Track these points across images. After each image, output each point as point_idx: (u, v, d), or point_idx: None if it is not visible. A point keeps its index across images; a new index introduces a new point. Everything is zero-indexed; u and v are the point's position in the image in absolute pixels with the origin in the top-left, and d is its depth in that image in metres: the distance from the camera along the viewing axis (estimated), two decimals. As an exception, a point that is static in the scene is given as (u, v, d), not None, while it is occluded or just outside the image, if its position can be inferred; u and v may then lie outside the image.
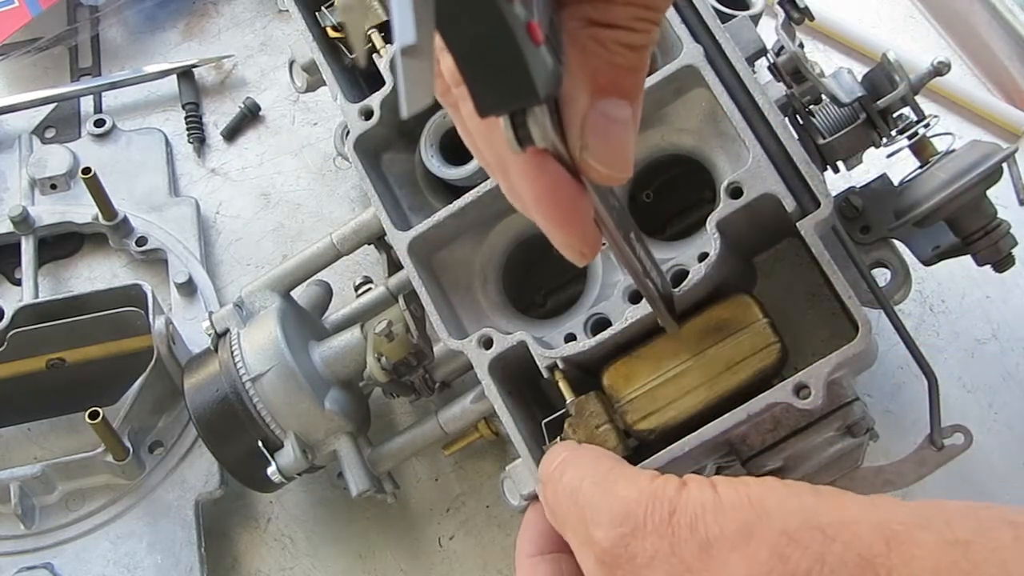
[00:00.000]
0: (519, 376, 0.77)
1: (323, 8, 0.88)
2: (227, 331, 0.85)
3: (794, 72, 0.74)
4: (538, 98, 0.41)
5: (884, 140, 0.77)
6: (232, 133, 1.12)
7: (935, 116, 0.77)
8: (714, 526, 0.52)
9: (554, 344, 0.75)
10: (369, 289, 0.91)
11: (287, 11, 0.95)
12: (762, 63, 0.79)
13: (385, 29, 0.85)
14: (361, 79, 0.90)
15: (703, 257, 0.71)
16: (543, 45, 0.41)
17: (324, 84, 0.89)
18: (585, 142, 0.46)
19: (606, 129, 0.46)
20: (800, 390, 0.67)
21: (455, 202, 0.78)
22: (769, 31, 0.77)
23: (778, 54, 0.75)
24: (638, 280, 0.61)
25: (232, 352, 0.82)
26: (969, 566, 0.45)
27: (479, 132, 0.50)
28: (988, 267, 0.78)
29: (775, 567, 0.49)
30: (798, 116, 0.78)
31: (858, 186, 0.82)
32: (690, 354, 0.70)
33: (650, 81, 0.73)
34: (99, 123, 1.11)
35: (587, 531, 0.58)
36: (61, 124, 1.15)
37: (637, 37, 0.47)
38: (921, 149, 0.77)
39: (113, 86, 1.15)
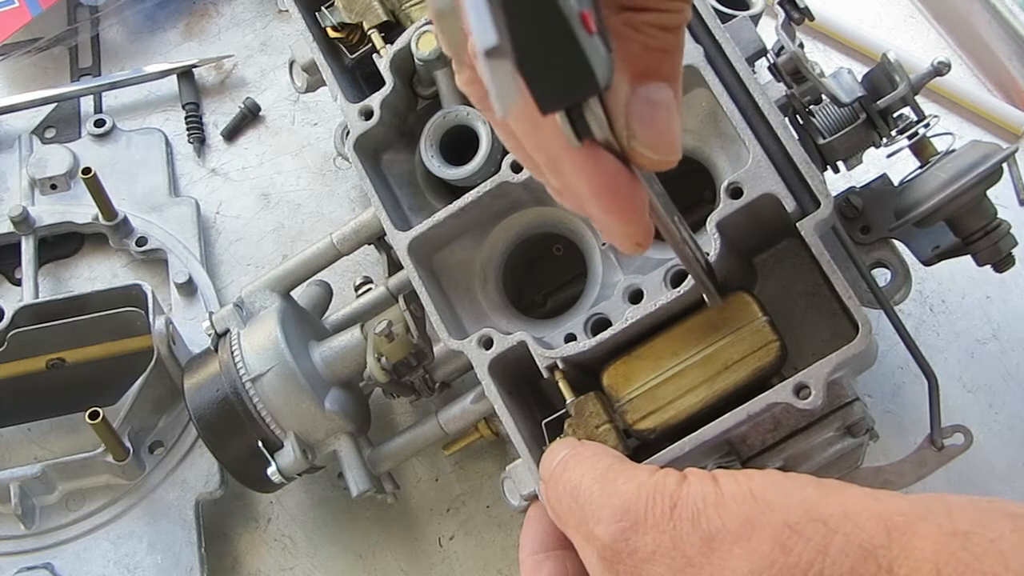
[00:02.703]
0: (519, 376, 0.77)
1: (323, 8, 0.88)
2: (227, 331, 0.85)
3: (794, 72, 0.74)
4: (598, 87, 0.41)
5: (884, 140, 0.77)
6: (232, 133, 1.12)
7: (935, 116, 0.77)
8: (716, 519, 0.52)
9: (554, 344, 0.75)
10: (369, 289, 0.91)
11: (287, 11, 0.95)
12: (762, 63, 0.78)
13: (385, 29, 0.86)
14: (361, 79, 0.90)
15: (703, 257, 0.71)
16: (595, 34, 0.41)
17: (324, 84, 0.89)
18: (632, 130, 0.46)
19: (651, 114, 0.46)
20: (800, 390, 0.67)
21: (455, 202, 0.78)
22: (769, 31, 0.77)
23: (778, 54, 0.75)
24: (686, 261, 0.62)
25: (232, 352, 0.82)
26: (968, 557, 0.45)
27: (526, 135, 0.49)
28: (988, 267, 0.78)
29: (777, 559, 0.50)
30: (798, 116, 0.78)
31: (858, 186, 0.82)
32: (689, 353, 0.70)
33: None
34: (99, 123, 1.11)
35: (588, 527, 0.58)
36: (61, 124, 1.15)
37: (670, 18, 0.47)
38: (921, 149, 0.77)
39: (113, 86, 1.14)
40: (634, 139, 0.46)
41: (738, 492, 0.53)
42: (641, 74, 0.46)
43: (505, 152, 0.78)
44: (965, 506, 0.48)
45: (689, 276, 0.70)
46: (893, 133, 0.77)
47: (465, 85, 0.51)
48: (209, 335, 0.86)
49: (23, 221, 1.03)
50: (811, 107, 0.78)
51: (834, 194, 0.71)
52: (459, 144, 0.81)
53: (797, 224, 0.69)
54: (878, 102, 0.75)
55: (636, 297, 0.74)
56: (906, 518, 0.48)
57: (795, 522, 0.50)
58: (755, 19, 0.82)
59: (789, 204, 0.69)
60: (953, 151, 0.75)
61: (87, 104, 1.16)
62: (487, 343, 0.74)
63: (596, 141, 0.46)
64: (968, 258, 0.78)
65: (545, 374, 0.73)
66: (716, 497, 0.53)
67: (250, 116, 1.12)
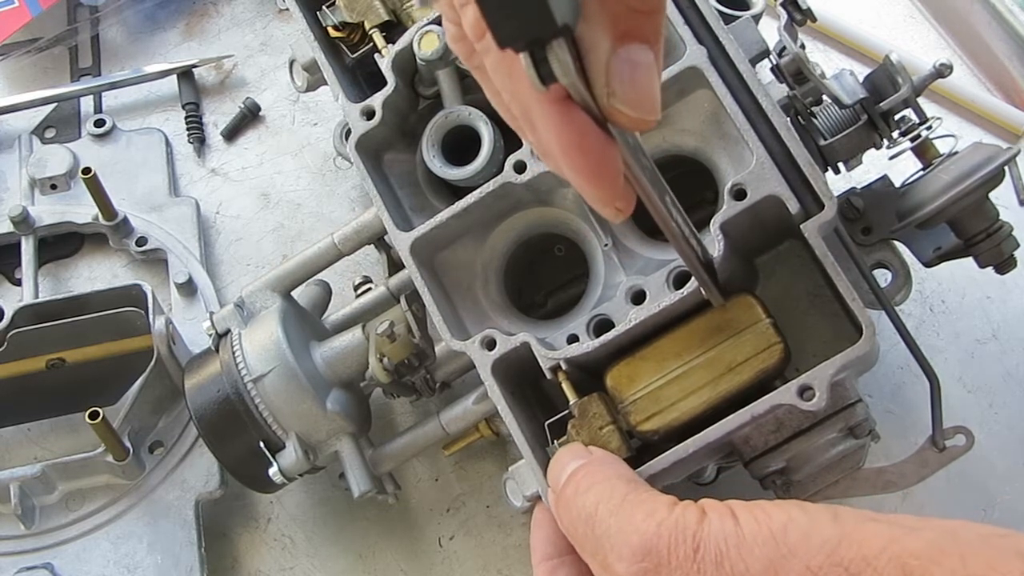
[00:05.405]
0: (520, 377, 0.77)
1: (324, 7, 0.88)
2: (228, 331, 0.85)
3: (796, 73, 0.74)
4: (555, 26, 0.42)
5: (885, 142, 0.77)
6: (232, 133, 1.12)
7: (938, 118, 0.77)
8: (739, 563, 0.53)
9: (556, 345, 0.75)
10: (368, 289, 0.91)
11: (287, 11, 0.95)
12: (762, 64, 0.78)
13: (386, 28, 0.85)
14: (362, 79, 0.90)
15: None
16: None
17: (324, 84, 0.89)
18: (612, 88, 0.46)
19: (631, 74, 0.46)
20: (804, 392, 0.67)
21: (458, 203, 0.78)
22: (768, 32, 0.77)
23: (780, 55, 0.75)
24: (678, 244, 0.61)
25: (233, 352, 0.82)
26: None
27: (504, 85, 0.50)
28: (988, 268, 0.78)
29: None
30: (799, 117, 0.78)
31: (858, 187, 0.82)
32: (693, 355, 0.70)
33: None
34: (99, 123, 1.11)
35: (607, 560, 0.58)
36: (61, 124, 1.14)
37: None
38: (924, 151, 0.78)
39: (113, 86, 1.14)
40: (614, 96, 0.46)
41: (759, 533, 0.53)
42: (623, 35, 0.46)
43: (507, 152, 0.78)
44: (978, 546, 0.48)
45: (692, 278, 0.70)
46: (894, 135, 0.77)
47: (452, 42, 0.53)
48: (210, 335, 0.86)
49: (23, 221, 1.02)
50: (812, 108, 0.78)
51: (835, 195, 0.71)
52: (461, 144, 0.81)
53: (801, 226, 0.69)
54: (880, 104, 0.75)
55: (639, 298, 0.74)
56: (921, 563, 0.48)
57: (817, 566, 0.51)
58: (755, 19, 0.82)
59: (793, 206, 0.69)
60: (955, 153, 0.75)
61: (87, 104, 1.16)
62: (490, 344, 0.74)
63: (571, 99, 0.47)
64: (968, 258, 0.78)
65: (548, 375, 0.73)
66: (738, 538, 0.54)
67: (250, 116, 1.12)
